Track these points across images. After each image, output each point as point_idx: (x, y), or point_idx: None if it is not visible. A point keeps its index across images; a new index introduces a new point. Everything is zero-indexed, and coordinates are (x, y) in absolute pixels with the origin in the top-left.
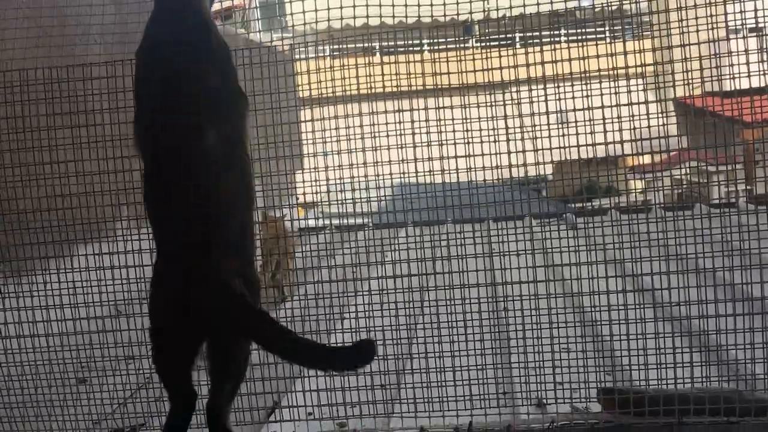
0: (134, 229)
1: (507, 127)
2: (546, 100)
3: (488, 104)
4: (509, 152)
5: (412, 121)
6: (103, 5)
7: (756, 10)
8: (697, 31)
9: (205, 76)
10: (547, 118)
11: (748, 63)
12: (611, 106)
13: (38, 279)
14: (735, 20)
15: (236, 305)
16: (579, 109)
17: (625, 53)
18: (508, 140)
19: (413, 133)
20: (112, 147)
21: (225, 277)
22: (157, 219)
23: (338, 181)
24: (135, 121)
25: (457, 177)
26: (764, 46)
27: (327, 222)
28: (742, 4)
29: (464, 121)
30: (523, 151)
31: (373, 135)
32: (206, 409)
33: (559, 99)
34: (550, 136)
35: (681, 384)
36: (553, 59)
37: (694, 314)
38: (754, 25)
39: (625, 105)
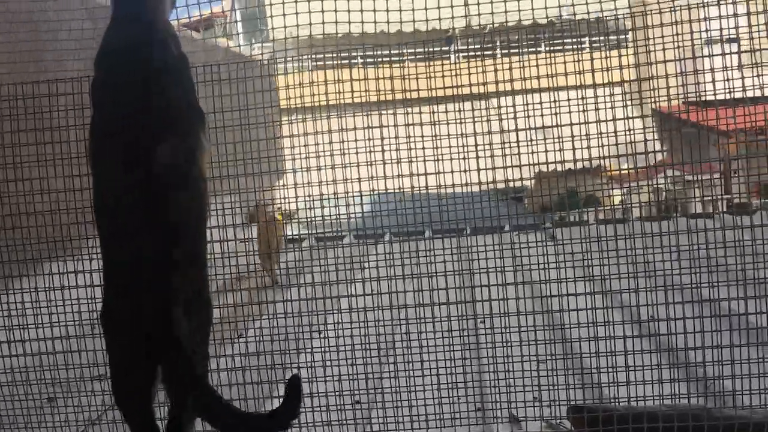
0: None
1: (476, 139)
2: (513, 112)
3: (457, 120)
4: (478, 167)
5: (382, 138)
6: (72, 20)
7: (720, 18)
8: (662, 45)
9: (159, 90)
10: (515, 130)
11: (713, 76)
12: (580, 123)
13: (2, 299)
14: (708, 32)
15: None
16: (549, 126)
17: (592, 65)
18: (475, 151)
19: (382, 149)
20: (78, 164)
21: (171, 305)
22: (105, 234)
23: (308, 199)
24: (90, 132)
25: (427, 189)
26: (738, 58)
27: (302, 235)
28: (707, 22)
29: (433, 137)
30: (492, 169)
31: (343, 152)
32: (166, 423)
33: (527, 115)
34: (517, 150)
35: (651, 401)
36: (522, 75)
37: (664, 329)
38: (730, 36)
39: (593, 118)
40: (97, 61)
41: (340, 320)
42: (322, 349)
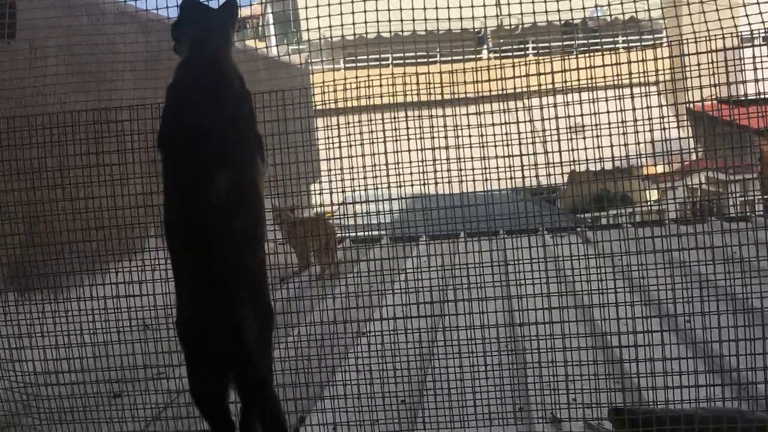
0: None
1: (519, 137)
2: (549, 109)
3: (502, 121)
4: (522, 162)
5: (432, 135)
6: (134, 33)
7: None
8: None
9: (222, 122)
10: (558, 126)
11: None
12: (614, 110)
13: (71, 306)
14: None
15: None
16: (587, 114)
17: (629, 62)
18: (520, 152)
19: (432, 147)
20: (146, 183)
21: (236, 316)
22: (174, 250)
23: (356, 189)
24: (161, 155)
25: (474, 186)
26: None
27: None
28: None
29: (479, 127)
30: (532, 166)
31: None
32: (239, 421)
33: (567, 106)
34: (558, 149)
35: (688, 404)
36: (563, 68)
37: (703, 331)
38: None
39: (629, 117)
40: (170, 91)
41: (387, 317)
42: (369, 351)
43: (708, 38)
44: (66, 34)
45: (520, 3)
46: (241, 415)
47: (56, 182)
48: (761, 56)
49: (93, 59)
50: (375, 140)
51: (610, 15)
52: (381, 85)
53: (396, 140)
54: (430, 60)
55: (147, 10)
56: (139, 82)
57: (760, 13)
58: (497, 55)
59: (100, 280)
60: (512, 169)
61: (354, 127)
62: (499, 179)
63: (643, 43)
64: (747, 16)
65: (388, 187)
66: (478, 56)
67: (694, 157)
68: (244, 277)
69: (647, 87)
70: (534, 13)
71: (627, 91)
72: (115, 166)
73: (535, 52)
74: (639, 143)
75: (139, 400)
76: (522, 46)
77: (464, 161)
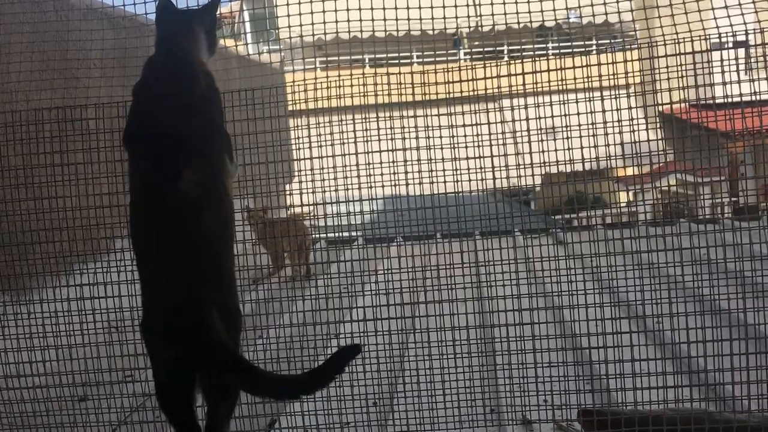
0: (127, 260)
1: (490, 137)
2: (523, 112)
3: (473, 123)
4: (492, 164)
5: (403, 138)
6: (102, 30)
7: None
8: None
9: (188, 120)
10: (528, 128)
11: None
12: (587, 116)
13: (35, 308)
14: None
15: (212, 347)
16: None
17: (595, 64)
18: (491, 153)
19: (403, 150)
20: (112, 183)
21: (203, 316)
22: (138, 249)
23: (327, 190)
24: (127, 153)
25: (445, 188)
26: (748, 59)
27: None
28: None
29: (450, 128)
30: (504, 167)
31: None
32: (205, 425)
33: (538, 108)
34: (529, 150)
35: (657, 405)
36: (533, 70)
37: (671, 332)
38: (741, 39)
39: (600, 120)
40: (136, 90)
41: (358, 318)
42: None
43: (676, 41)
44: (33, 30)
45: (492, 4)
46: (208, 417)
47: (19, 181)
48: (728, 60)
49: (61, 56)
50: (346, 141)
51: (581, 17)
52: (351, 86)
53: (367, 141)
54: (402, 62)
55: (114, 6)
56: (108, 79)
57: (728, 16)
58: (471, 57)
59: (65, 281)
60: (483, 170)
61: (325, 127)
62: (470, 180)
63: (614, 47)
64: (715, 19)
65: (359, 188)
66: (452, 58)
67: (664, 159)
68: (212, 278)
69: (617, 90)
70: (505, 14)
71: (598, 93)
72: (81, 165)
73: (510, 55)
74: (609, 145)
75: (105, 404)
76: (497, 49)
77: (435, 162)
